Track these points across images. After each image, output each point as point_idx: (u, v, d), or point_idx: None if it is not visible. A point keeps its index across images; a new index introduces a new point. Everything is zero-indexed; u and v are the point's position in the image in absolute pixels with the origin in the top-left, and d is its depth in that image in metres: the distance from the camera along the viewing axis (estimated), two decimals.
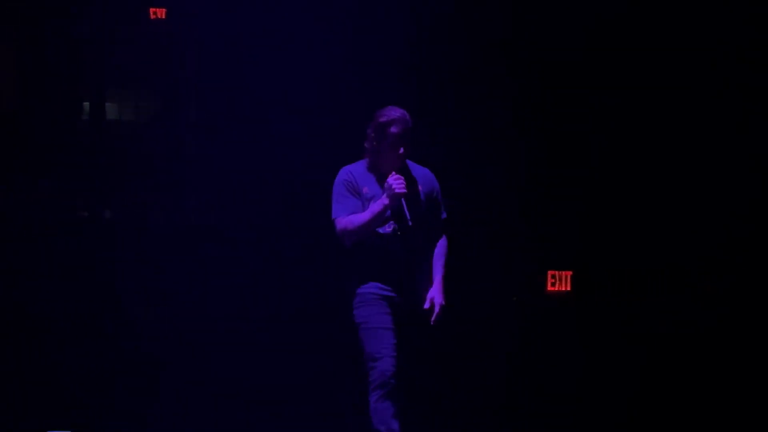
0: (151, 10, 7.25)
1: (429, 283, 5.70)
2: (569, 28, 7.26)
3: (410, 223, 5.64)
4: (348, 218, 5.64)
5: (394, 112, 5.67)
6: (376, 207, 5.59)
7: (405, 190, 5.58)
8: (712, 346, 7.13)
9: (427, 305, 5.66)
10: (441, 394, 7.04)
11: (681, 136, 7.24)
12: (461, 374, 7.23)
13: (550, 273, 7.36)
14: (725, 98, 7.15)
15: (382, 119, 5.65)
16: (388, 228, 5.65)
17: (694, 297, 7.24)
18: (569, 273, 7.34)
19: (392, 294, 5.65)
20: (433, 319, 5.66)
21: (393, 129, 5.64)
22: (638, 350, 7.17)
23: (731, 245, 7.19)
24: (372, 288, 5.67)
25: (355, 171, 5.76)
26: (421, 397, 5.90)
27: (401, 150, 5.62)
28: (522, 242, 7.35)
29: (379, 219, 5.60)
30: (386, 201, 5.57)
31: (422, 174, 5.83)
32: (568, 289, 7.34)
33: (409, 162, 5.78)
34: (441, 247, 5.79)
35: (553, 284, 7.34)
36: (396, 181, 5.58)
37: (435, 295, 5.70)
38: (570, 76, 7.27)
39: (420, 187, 5.74)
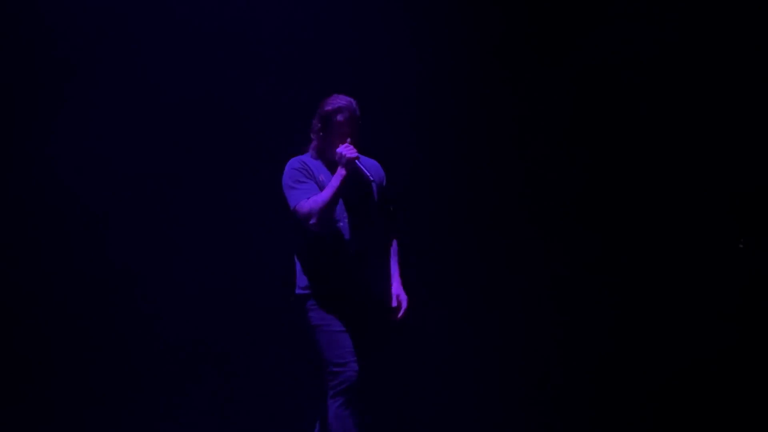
0: None
1: (384, 278, 5.67)
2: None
3: (372, 179, 5.59)
4: (311, 199, 5.55)
5: (339, 100, 5.67)
6: (335, 180, 5.54)
7: (357, 154, 5.54)
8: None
9: (394, 303, 5.64)
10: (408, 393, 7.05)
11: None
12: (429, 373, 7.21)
13: None
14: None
15: (328, 107, 5.66)
16: (340, 222, 5.60)
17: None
18: None
19: (347, 292, 5.57)
20: (400, 315, 5.64)
21: (339, 117, 5.63)
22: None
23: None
24: (326, 287, 5.60)
25: (306, 160, 5.72)
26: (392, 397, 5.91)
27: (348, 138, 5.59)
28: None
29: (341, 191, 5.53)
30: (343, 171, 5.53)
31: (371, 165, 5.78)
32: None
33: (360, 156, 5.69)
34: (394, 242, 5.78)
35: None
36: (346, 149, 5.55)
37: (399, 292, 5.68)
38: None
39: (371, 177, 5.65)
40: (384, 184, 5.85)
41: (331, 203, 5.54)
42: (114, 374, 7.12)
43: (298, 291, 5.67)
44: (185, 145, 7.20)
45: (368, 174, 5.56)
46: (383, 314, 5.66)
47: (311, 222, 5.54)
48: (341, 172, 5.54)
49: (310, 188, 5.62)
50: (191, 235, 7.19)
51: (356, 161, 5.54)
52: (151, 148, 7.14)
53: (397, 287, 5.71)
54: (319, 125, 5.70)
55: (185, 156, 7.19)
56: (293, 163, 5.72)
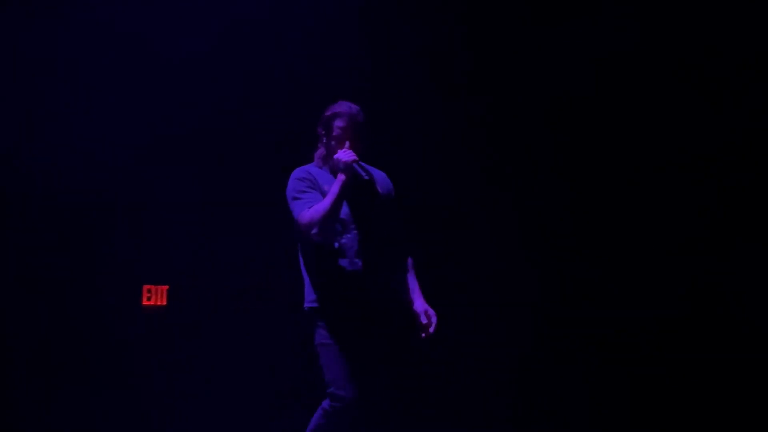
0: None
1: (396, 293, 5.51)
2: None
3: (366, 177, 5.37)
4: (312, 209, 5.36)
5: (339, 106, 5.51)
6: (334, 187, 5.34)
7: (356, 157, 5.35)
8: None
9: (423, 319, 5.43)
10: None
11: None
12: None
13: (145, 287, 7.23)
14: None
15: (328, 113, 5.51)
16: (347, 234, 5.42)
17: None
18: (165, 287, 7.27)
19: (355, 306, 5.39)
20: (432, 330, 5.43)
21: (338, 122, 5.46)
22: None
23: None
24: (333, 301, 5.42)
25: (311, 170, 5.55)
26: None
27: (347, 143, 5.41)
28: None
29: (342, 198, 5.34)
30: (342, 177, 5.34)
31: (378, 175, 5.62)
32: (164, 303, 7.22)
33: (365, 164, 5.53)
34: (410, 257, 5.61)
35: (148, 298, 7.24)
36: (344, 153, 5.37)
37: (426, 307, 5.49)
38: None
39: (379, 186, 5.53)
40: (392, 195, 5.67)
41: (332, 212, 5.36)
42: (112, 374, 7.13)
43: (306, 305, 5.51)
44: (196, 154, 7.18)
45: (365, 175, 5.39)
46: (393, 329, 5.49)
47: (313, 232, 5.37)
48: (340, 177, 5.36)
49: (314, 198, 5.45)
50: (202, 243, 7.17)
51: (354, 165, 5.37)
52: (160, 152, 7.12)
53: (421, 303, 5.51)
54: (322, 132, 5.56)
55: (198, 167, 7.17)
56: (297, 173, 5.55)
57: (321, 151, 5.60)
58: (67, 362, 7.12)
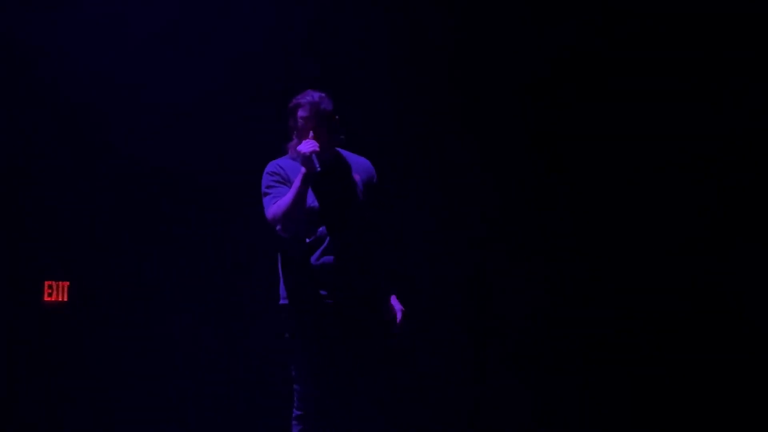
0: None
1: (373, 288, 5.41)
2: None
3: (318, 169, 5.21)
4: (275, 204, 5.30)
5: (302, 96, 5.42)
6: (296, 181, 5.25)
7: (316, 148, 5.24)
8: None
9: (388, 317, 5.40)
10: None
11: None
12: None
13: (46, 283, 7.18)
14: None
15: (291, 104, 5.43)
16: (319, 227, 5.34)
17: None
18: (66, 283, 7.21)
19: (326, 302, 5.32)
20: (395, 328, 5.41)
21: (301, 112, 5.37)
22: None
23: None
24: (304, 297, 5.36)
25: (282, 163, 5.46)
26: None
27: (311, 133, 5.32)
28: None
29: (304, 191, 5.24)
30: (302, 169, 5.25)
31: (358, 162, 5.54)
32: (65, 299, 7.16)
33: (344, 152, 5.51)
34: (389, 248, 5.53)
35: (50, 294, 7.18)
36: (303, 144, 5.28)
37: (394, 302, 5.45)
38: None
39: (356, 175, 5.45)
40: (374, 182, 5.55)
41: (293, 206, 5.25)
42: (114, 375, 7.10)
43: (281, 301, 5.45)
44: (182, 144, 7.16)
45: (317, 165, 5.24)
46: (369, 325, 5.40)
47: (277, 228, 5.33)
48: (301, 170, 5.28)
49: (282, 193, 5.37)
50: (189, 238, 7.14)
51: (313, 156, 5.25)
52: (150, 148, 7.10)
53: (392, 298, 5.46)
54: (291, 124, 5.47)
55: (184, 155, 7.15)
56: (268, 167, 5.48)
57: (293, 143, 5.49)
58: (65, 364, 7.14)
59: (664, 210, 7.19)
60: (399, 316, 5.44)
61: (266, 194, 5.42)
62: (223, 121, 7.20)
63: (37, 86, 7.17)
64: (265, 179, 5.45)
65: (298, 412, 5.37)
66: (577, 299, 7.22)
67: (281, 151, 5.53)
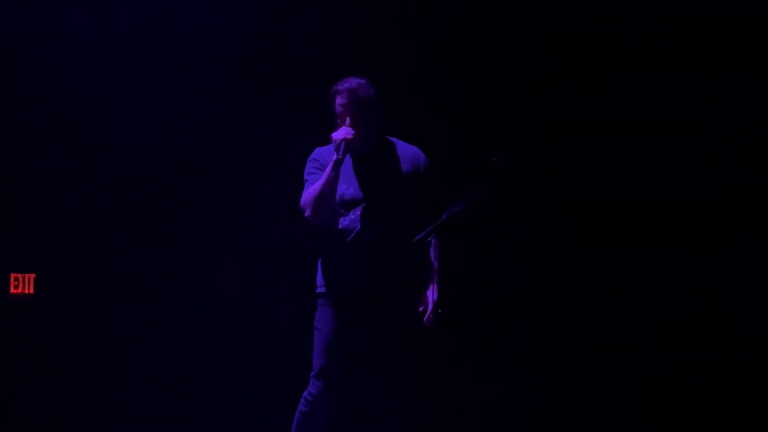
0: None
1: (409, 278, 5.35)
2: None
3: (338, 156, 5.21)
4: (306, 191, 5.30)
5: (339, 84, 5.40)
6: (328, 168, 5.23)
7: (347, 135, 5.23)
8: None
9: (420, 307, 5.31)
10: None
11: None
12: None
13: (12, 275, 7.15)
14: None
15: (330, 91, 5.41)
16: (351, 215, 5.30)
17: None
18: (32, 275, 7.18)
19: (358, 291, 5.29)
20: (425, 320, 5.31)
21: (338, 99, 5.36)
22: None
23: None
24: (336, 285, 5.33)
25: (324, 150, 5.45)
26: None
27: (347, 120, 5.28)
28: None
29: (333, 177, 5.22)
30: (334, 156, 5.23)
31: (406, 150, 5.48)
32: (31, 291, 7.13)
33: (393, 139, 5.47)
34: (433, 239, 5.32)
35: (15, 287, 7.16)
36: (337, 132, 5.27)
37: (428, 295, 5.34)
38: None
39: (401, 164, 5.41)
40: (421, 171, 5.47)
41: (321, 193, 5.24)
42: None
43: (318, 289, 5.43)
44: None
45: (339, 153, 5.22)
46: (400, 316, 5.37)
47: (306, 215, 5.30)
48: (333, 157, 5.26)
49: (317, 180, 5.34)
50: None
51: (342, 143, 5.23)
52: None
53: (430, 290, 5.34)
54: (334, 110, 5.43)
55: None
56: (312, 154, 5.48)
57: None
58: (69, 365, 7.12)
59: (664, 210, 7.18)
60: (431, 308, 5.35)
61: (305, 181, 5.41)
62: (228, 119, 7.22)
63: (36, 84, 7.18)
64: (307, 167, 5.46)
65: (316, 396, 5.33)
66: (576, 299, 7.22)
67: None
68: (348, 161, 5.37)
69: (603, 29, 7.17)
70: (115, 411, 7.09)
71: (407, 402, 5.49)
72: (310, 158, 5.46)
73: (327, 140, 5.49)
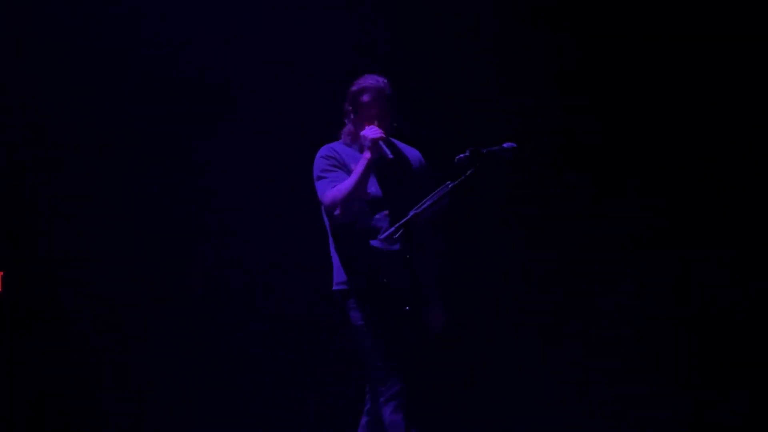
0: None
1: (425, 282, 5.27)
2: None
3: (391, 156, 5.13)
4: (335, 188, 5.17)
5: (366, 80, 5.30)
6: (359, 165, 5.13)
7: (382, 134, 5.15)
8: None
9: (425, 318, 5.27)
10: None
11: None
12: None
13: None
14: None
15: (354, 88, 5.30)
16: (377, 214, 5.20)
17: None
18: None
19: (387, 288, 5.18)
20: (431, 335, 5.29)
21: (365, 97, 5.26)
22: None
23: None
24: (365, 282, 5.21)
25: (337, 147, 5.36)
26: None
27: (375, 120, 5.20)
28: None
29: (367, 176, 5.13)
30: (368, 154, 5.13)
31: (411, 152, 5.46)
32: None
33: (396, 141, 5.40)
34: (437, 244, 5.37)
35: None
36: (370, 130, 5.16)
37: (433, 307, 5.31)
38: None
39: (412, 164, 5.37)
40: (424, 175, 5.42)
41: (355, 191, 5.12)
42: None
43: (335, 287, 5.31)
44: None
45: (390, 153, 5.14)
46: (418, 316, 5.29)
47: (336, 213, 5.18)
48: (366, 155, 5.14)
49: (338, 177, 5.23)
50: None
51: (380, 142, 5.13)
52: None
53: (433, 303, 5.32)
54: (349, 108, 5.32)
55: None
56: (322, 151, 5.35)
57: (348, 128, 5.39)
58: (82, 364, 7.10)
59: (664, 210, 7.19)
60: (439, 324, 5.35)
61: (322, 178, 5.27)
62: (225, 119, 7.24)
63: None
64: (320, 163, 5.32)
65: (387, 395, 5.14)
66: (576, 298, 7.23)
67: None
68: (359, 159, 5.26)
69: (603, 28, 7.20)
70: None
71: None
72: (322, 155, 5.34)
73: (327, 139, 5.47)
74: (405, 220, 5.10)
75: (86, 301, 7.12)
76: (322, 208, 5.31)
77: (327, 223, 5.34)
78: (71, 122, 7.11)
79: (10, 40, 7.06)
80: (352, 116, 5.34)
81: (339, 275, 5.30)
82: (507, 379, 7.20)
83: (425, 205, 5.12)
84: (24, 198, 7.11)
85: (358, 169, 5.17)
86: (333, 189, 5.21)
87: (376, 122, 5.24)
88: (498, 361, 7.22)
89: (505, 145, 5.17)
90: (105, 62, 7.10)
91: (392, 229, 5.09)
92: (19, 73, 7.08)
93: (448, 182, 5.14)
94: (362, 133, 5.22)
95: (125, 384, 7.12)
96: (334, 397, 6.89)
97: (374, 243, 5.23)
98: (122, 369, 7.12)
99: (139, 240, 7.15)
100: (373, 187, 5.27)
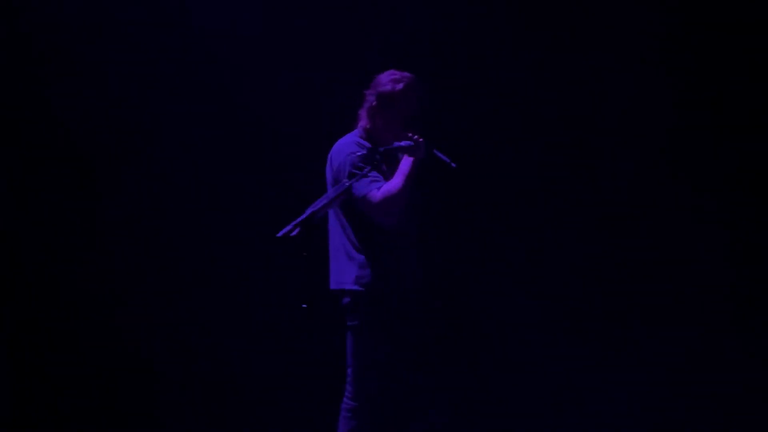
0: None
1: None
2: None
3: (453, 165, 4.94)
4: (384, 189, 4.96)
5: (408, 78, 5.08)
6: (412, 168, 4.93)
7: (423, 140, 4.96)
8: None
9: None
10: None
11: None
12: None
13: None
14: None
15: (398, 86, 5.05)
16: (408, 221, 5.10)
17: None
18: None
19: (406, 289, 5.13)
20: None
21: (415, 95, 5.06)
22: None
23: None
24: (385, 282, 5.09)
25: (364, 143, 5.13)
26: None
27: (411, 120, 5.03)
28: None
29: (414, 178, 4.93)
30: (421, 156, 4.94)
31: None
32: None
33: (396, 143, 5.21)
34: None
35: None
36: (419, 134, 4.96)
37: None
38: None
39: (453, 164, 5.14)
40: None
41: (406, 192, 4.94)
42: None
43: (352, 286, 5.13)
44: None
45: (449, 161, 4.97)
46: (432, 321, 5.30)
47: (388, 214, 4.99)
48: (419, 156, 4.95)
49: (378, 176, 5.02)
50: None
51: (424, 141, 4.94)
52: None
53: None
54: (375, 104, 5.10)
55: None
56: (355, 147, 5.12)
57: (367, 124, 5.18)
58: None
59: (664, 210, 7.19)
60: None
61: (362, 176, 5.01)
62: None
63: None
64: (357, 159, 5.08)
65: (353, 404, 5.12)
66: (576, 298, 7.22)
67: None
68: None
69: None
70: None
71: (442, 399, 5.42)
72: (356, 152, 5.09)
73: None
74: (302, 217, 4.86)
75: (85, 301, 7.12)
76: (358, 205, 5.08)
77: (347, 220, 5.16)
78: (71, 122, 7.11)
79: (10, 40, 7.06)
80: (378, 113, 5.14)
81: (363, 275, 5.13)
82: (508, 379, 7.20)
83: (321, 204, 4.94)
84: (23, 198, 7.11)
85: (411, 172, 4.97)
86: (382, 189, 5.02)
87: (411, 124, 5.06)
88: (507, 361, 7.22)
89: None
90: (105, 62, 7.11)
91: (289, 226, 4.85)
92: (19, 72, 7.08)
93: (345, 180, 5.04)
94: (416, 137, 4.99)
95: (125, 384, 7.13)
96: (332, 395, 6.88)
97: (402, 243, 5.13)
98: (122, 369, 7.13)
99: (139, 240, 7.16)
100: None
